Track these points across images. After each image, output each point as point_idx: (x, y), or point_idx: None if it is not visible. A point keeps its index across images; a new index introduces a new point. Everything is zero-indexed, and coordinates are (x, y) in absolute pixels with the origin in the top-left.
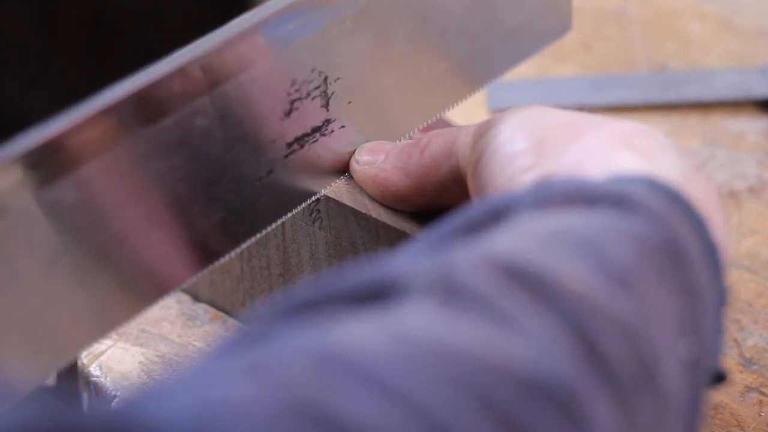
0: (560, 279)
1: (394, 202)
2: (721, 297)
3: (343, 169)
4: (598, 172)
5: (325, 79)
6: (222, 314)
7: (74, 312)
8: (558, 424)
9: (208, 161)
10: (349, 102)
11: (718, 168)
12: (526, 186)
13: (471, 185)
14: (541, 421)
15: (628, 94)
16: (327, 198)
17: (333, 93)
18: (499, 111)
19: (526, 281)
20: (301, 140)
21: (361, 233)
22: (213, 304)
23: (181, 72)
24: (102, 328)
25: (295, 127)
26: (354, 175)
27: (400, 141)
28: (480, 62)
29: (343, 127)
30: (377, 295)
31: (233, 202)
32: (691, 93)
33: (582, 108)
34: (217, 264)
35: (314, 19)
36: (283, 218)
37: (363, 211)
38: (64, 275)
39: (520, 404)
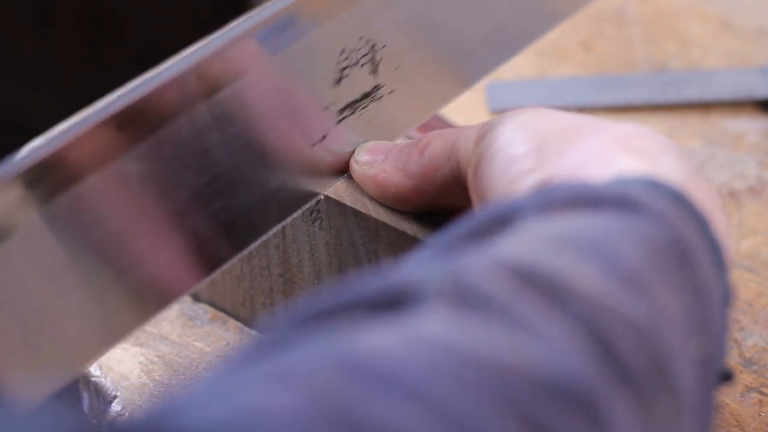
0: (571, 282)
1: (394, 202)
2: (726, 296)
3: (343, 170)
4: (599, 174)
5: (373, 46)
6: (222, 314)
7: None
8: (580, 424)
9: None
10: (397, 68)
11: (718, 168)
12: (526, 189)
13: (471, 188)
14: (563, 421)
15: (628, 94)
16: (327, 198)
17: (381, 59)
18: (498, 111)
19: (538, 284)
20: (352, 106)
21: (361, 233)
22: (213, 304)
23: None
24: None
25: (345, 94)
26: (354, 176)
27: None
28: (519, 26)
29: (392, 92)
30: (390, 303)
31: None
32: (691, 93)
33: (582, 108)
34: (221, 270)
35: None
36: (286, 221)
37: (363, 211)
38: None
39: (541, 405)
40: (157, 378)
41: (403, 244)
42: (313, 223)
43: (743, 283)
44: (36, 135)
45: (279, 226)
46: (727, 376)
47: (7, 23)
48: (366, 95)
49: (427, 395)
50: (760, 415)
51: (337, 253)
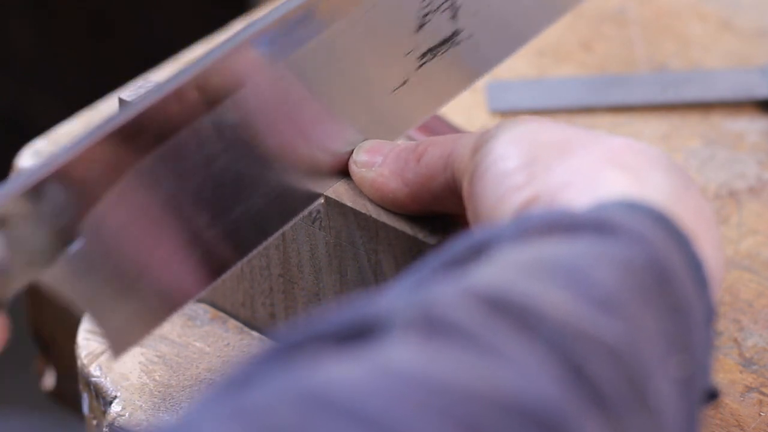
0: (542, 306)
1: (391, 206)
2: (709, 313)
3: (343, 170)
4: (586, 193)
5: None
6: (222, 314)
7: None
8: None
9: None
10: (476, 12)
11: (718, 168)
12: (515, 206)
13: (465, 200)
14: None
15: (628, 94)
16: (327, 198)
17: (461, 5)
18: (498, 111)
19: (508, 311)
20: (432, 51)
21: (361, 233)
22: (213, 304)
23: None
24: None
25: (426, 40)
26: (352, 177)
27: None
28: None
29: (471, 37)
30: (360, 333)
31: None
32: (691, 93)
33: (582, 108)
34: (224, 276)
35: None
36: (290, 223)
37: (363, 211)
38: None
39: (508, 430)
40: (157, 378)
41: (403, 244)
42: (313, 223)
43: (743, 283)
44: (36, 135)
45: (282, 230)
46: (713, 394)
47: (6, 23)
48: (446, 40)
49: (383, 423)
50: (760, 415)
51: (337, 253)
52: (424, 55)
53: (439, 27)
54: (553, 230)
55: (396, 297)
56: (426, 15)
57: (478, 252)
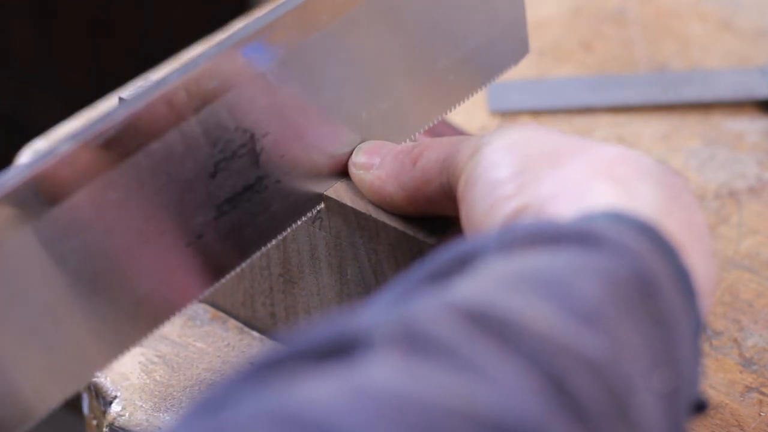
0: (524, 321)
1: (389, 208)
2: (697, 324)
3: (343, 171)
4: (573, 204)
5: (252, 136)
6: (222, 314)
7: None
8: None
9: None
10: (282, 156)
11: (718, 168)
12: (505, 216)
13: (459, 206)
14: None
15: (628, 94)
16: (327, 198)
17: (262, 149)
18: (498, 111)
19: (490, 325)
20: (232, 201)
21: (361, 233)
22: (213, 304)
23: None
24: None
25: (224, 188)
26: (352, 178)
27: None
28: (425, 99)
29: (278, 182)
30: (341, 350)
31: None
32: (691, 93)
33: (582, 108)
34: (226, 278)
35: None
36: (290, 228)
37: (363, 211)
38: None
39: None
40: (157, 378)
41: (403, 244)
42: (313, 223)
43: (743, 283)
44: (36, 134)
45: (285, 233)
46: (701, 406)
47: (6, 23)
48: (248, 188)
49: None
50: (760, 415)
51: (337, 253)
52: (221, 205)
53: (239, 174)
54: (538, 241)
55: (377, 312)
56: (219, 162)
57: (463, 263)
